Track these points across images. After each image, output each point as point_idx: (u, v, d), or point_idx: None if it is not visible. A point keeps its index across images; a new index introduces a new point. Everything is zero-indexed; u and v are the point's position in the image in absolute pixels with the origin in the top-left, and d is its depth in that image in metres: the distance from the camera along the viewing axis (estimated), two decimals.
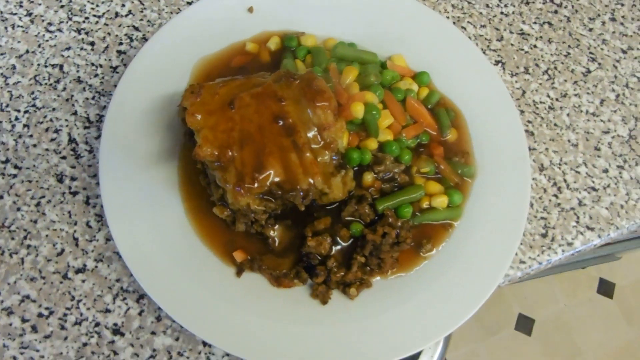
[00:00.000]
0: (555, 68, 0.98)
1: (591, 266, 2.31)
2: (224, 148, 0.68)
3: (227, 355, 0.72)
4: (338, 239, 0.76)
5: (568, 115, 0.94)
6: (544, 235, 0.84)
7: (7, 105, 0.82)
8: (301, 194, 0.70)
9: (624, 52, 1.01)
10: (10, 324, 0.70)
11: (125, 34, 0.90)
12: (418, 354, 1.13)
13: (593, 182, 0.89)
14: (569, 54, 1.00)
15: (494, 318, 2.18)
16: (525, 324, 2.19)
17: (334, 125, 0.71)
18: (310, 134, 0.71)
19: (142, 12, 0.92)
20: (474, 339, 2.14)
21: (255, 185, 0.68)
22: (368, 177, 0.78)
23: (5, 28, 0.88)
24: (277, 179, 0.69)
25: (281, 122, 0.70)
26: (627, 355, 2.17)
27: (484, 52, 0.97)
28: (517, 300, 2.24)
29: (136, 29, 0.90)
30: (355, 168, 0.79)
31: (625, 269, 2.37)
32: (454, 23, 0.98)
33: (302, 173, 0.69)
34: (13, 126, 0.81)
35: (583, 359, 2.15)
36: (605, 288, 2.33)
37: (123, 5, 0.92)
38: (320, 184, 0.70)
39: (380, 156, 0.78)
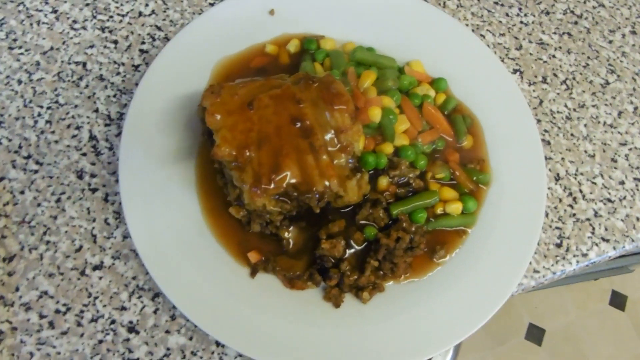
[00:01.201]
0: (574, 78, 0.98)
1: (603, 278, 2.30)
2: (242, 148, 0.69)
3: (240, 355, 0.72)
4: (352, 242, 0.77)
5: (585, 125, 0.94)
6: (558, 245, 0.84)
7: (31, 101, 0.83)
8: (317, 196, 0.70)
9: None
10: (28, 320, 0.71)
11: (148, 34, 0.91)
12: None
13: (609, 193, 0.89)
14: (587, 65, 0.99)
15: (503, 327, 2.17)
16: (535, 334, 2.18)
17: (350, 129, 0.72)
18: (327, 137, 0.71)
19: (165, 12, 0.93)
20: (483, 347, 2.12)
21: (272, 186, 0.68)
22: (383, 181, 0.78)
23: (31, 24, 0.89)
24: (293, 181, 0.69)
25: (299, 124, 0.71)
26: None
27: (503, 61, 0.97)
28: (528, 309, 2.22)
29: (159, 28, 0.92)
30: (371, 172, 0.79)
31: (638, 282, 2.34)
32: (473, 31, 0.99)
33: (318, 175, 0.70)
34: (36, 122, 0.82)
35: None
36: (617, 300, 2.31)
37: (147, 5, 0.93)
38: (336, 187, 0.70)
39: (396, 161, 0.79)
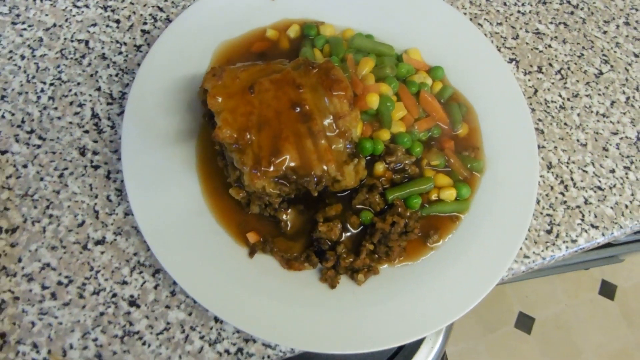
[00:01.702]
0: (569, 68, 0.99)
1: (594, 267, 2.32)
2: (243, 131, 0.70)
3: (238, 331, 0.74)
4: (348, 225, 0.79)
5: (578, 115, 0.95)
6: (548, 232, 0.86)
7: (34, 77, 0.84)
8: (315, 179, 0.72)
9: (636, 55, 1.03)
10: (30, 290, 0.73)
11: (150, 14, 0.92)
12: (418, 346, 1.16)
13: (599, 181, 0.91)
14: (582, 55, 1.01)
15: (494, 315, 2.19)
16: (525, 323, 2.20)
17: (349, 115, 0.73)
18: (325, 122, 0.73)
19: None
20: (474, 335, 2.14)
21: (271, 168, 0.70)
22: (379, 167, 0.80)
23: (34, 1, 0.90)
24: (292, 164, 0.71)
25: (298, 109, 0.72)
26: (626, 357, 2.17)
27: (499, 50, 0.98)
28: (518, 298, 2.24)
29: (160, 9, 0.92)
30: (368, 157, 0.80)
31: (627, 271, 2.36)
32: (470, 20, 1.00)
33: (317, 159, 0.71)
34: (39, 97, 0.83)
35: (582, 359, 2.16)
36: (607, 289, 2.33)
37: None
38: (334, 171, 0.72)
39: (392, 147, 0.80)
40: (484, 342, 2.14)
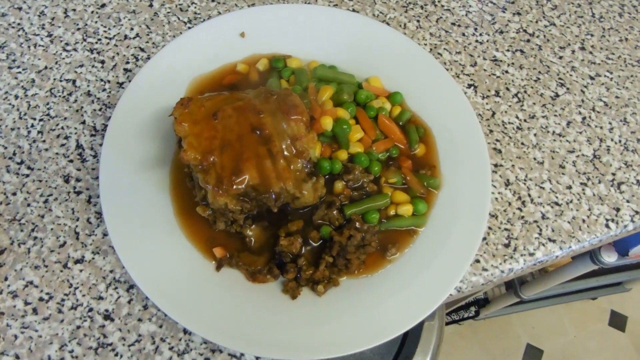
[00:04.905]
0: (525, 92, 1.05)
1: (602, 297, 2.29)
2: (206, 153, 0.77)
3: (205, 342, 0.79)
4: (309, 239, 0.84)
5: (535, 135, 1.01)
6: (506, 245, 0.90)
7: (25, 114, 0.93)
8: (273, 196, 0.78)
9: (592, 78, 1.08)
10: (14, 306, 0.79)
11: (132, 54, 1.01)
12: None
13: (556, 197, 0.95)
14: (538, 79, 1.07)
15: (501, 347, 2.17)
16: (533, 355, 2.17)
17: (305, 137, 0.80)
18: (284, 144, 0.79)
19: (148, 35, 1.03)
20: None
21: (233, 187, 0.76)
22: (338, 185, 0.86)
23: (29, 47, 1.00)
24: (252, 183, 0.77)
25: (258, 132, 0.79)
26: None
27: (458, 77, 1.05)
28: (525, 330, 2.22)
29: (142, 49, 1.01)
30: (327, 176, 0.86)
31: (636, 302, 2.34)
32: (431, 50, 1.07)
33: (275, 178, 0.77)
34: (29, 132, 0.92)
35: None
36: (617, 320, 2.30)
37: (132, 29, 1.03)
38: (292, 188, 0.78)
39: (350, 166, 0.86)
40: None
